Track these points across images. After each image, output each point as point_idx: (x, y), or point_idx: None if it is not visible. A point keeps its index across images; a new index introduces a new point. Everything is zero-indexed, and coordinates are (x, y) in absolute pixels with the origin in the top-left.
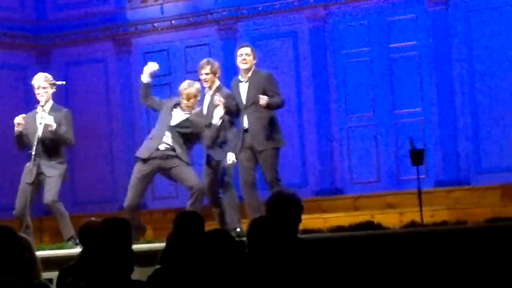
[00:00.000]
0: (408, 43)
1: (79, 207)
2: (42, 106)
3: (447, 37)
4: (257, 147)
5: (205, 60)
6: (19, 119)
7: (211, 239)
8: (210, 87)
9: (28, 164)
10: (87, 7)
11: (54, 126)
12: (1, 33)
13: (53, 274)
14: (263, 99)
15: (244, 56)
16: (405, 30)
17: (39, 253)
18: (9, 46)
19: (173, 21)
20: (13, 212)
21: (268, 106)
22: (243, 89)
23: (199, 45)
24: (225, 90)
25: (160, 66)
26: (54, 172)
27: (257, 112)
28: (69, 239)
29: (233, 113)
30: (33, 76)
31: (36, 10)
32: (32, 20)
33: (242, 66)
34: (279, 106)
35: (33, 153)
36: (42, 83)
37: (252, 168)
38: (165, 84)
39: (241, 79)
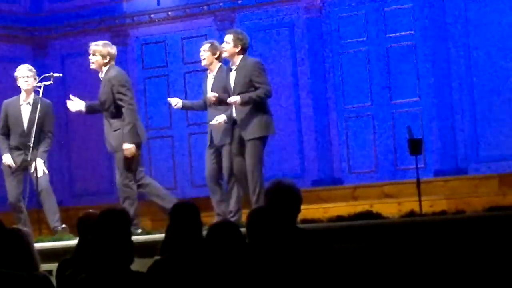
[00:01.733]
0: (405, 32)
1: (77, 199)
2: (27, 100)
3: (444, 27)
4: (244, 137)
5: (208, 40)
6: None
7: (218, 232)
8: (209, 68)
9: (12, 155)
10: None
11: (42, 173)
12: None
13: (53, 266)
14: (234, 100)
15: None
16: (402, 19)
17: (38, 245)
18: (6, 38)
19: (169, 13)
20: (9, 201)
21: (244, 104)
22: (232, 78)
23: (196, 36)
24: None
25: (157, 57)
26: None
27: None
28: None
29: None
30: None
31: (32, 2)
32: (28, 12)
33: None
34: (261, 99)
35: (17, 144)
36: (26, 72)
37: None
38: (162, 75)
39: (231, 67)
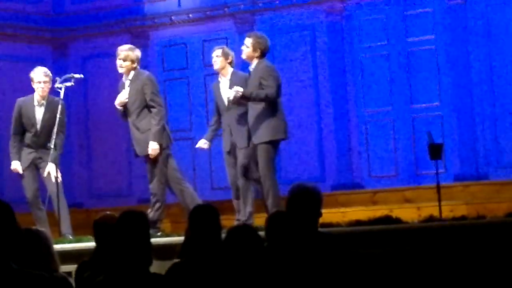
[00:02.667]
0: (426, 37)
1: (97, 200)
2: (41, 102)
3: (465, 31)
4: (254, 141)
5: (219, 46)
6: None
7: (237, 235)
8: (221, 72)
9: (23, 152)
10: (104, 0)
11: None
12: (18, 26)
13: (72, 267)
14: (237, 92)
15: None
16: (423, 23)
17: (57, 246)
18: (26, 39)
19: (190, 15)
20: (27, 199)
21: (245, 98)
22: (249, 80)
23: (216, 38)
24: (241, 74)
25: (177, 59)
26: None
27: (254, 104)
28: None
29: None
30: (49, 70)
31: (53, 3)
32: (49, 13)
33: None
34: (261, 99)
35: (29, 143)
36: (42, 78)
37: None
38: (182, 77)
39: (250, 69)
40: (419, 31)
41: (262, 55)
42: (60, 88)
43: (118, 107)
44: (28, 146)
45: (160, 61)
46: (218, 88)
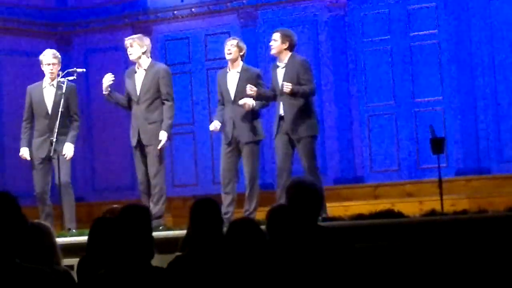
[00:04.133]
0: (428, 31)
1: (99, 194)
2: (51, 84)
3: (468, 26)
4: (292, 135)
5: (234, 37)
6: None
7: (239, 228)
8: (233, 64)
9: (35, 140)
10: None
11: (70, 155)
12: (22, 21)
13: (74, 261)
14: (287, 87)
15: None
16: (426, 18)
17: (60, 240)
18: (30, 33)
19: (193, 9)
20: (35, 193)
21: (293, 94)
22: (280, 74)
23: (219, 33)
24: (254, 69)
25: (180, 54)
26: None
27: (291, 99)
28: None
29: (266, 98)
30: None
31: None
32: (52, 7)
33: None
34: (307, 94)
35: (42, 128)
36: (51, 60)
37: (289, 154)
38: (185, 72)
39: (279, 64)
40: (422, 25)
41: (291, 48)
42: (63, 82)
43: (105, 91)
44: (41, 133)
45: (163, 55)
46: (225, 79)
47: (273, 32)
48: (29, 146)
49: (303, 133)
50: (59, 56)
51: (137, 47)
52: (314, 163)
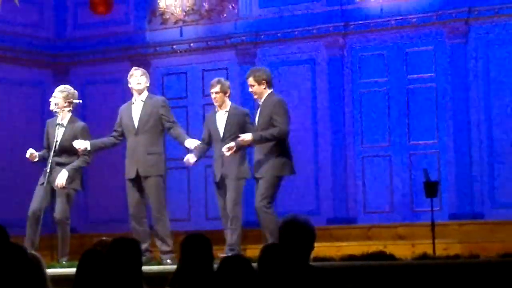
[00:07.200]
0: (426, 74)
1: (92, 226)
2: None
3: (465, 70)
4: (256, 174)
5: (215, 79)
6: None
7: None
8: (220, 106)
9: (45, 170)
10: (106, 27)
11: (62, 184)
12: (20, 50)
13: None
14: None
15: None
16: (423, 61)
17: (50, 271)
18: (28, 63)
19: (192, 44)
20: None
21: (256, 142)
22: (258, 113)
23: (217, 69)
24: (241, 109)
25: (177, 88)
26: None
27: None
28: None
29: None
30: (50, 94)
31: (55, 28)
32: (51, 38)
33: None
34: (273, 138)
35: (50, 162)
36: (54, 93)
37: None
38: (182, 106)
39: (259, 103)
40: (419, 68)
41: (269, 85)
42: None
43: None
44: (49, 165)
45: (160, 89)
46: (214, 119)
47: (246, 78)
48: (38, 156)
49: (266, 173)
50: (65, 89)
51: (145, 79)
52: (268, 199)
